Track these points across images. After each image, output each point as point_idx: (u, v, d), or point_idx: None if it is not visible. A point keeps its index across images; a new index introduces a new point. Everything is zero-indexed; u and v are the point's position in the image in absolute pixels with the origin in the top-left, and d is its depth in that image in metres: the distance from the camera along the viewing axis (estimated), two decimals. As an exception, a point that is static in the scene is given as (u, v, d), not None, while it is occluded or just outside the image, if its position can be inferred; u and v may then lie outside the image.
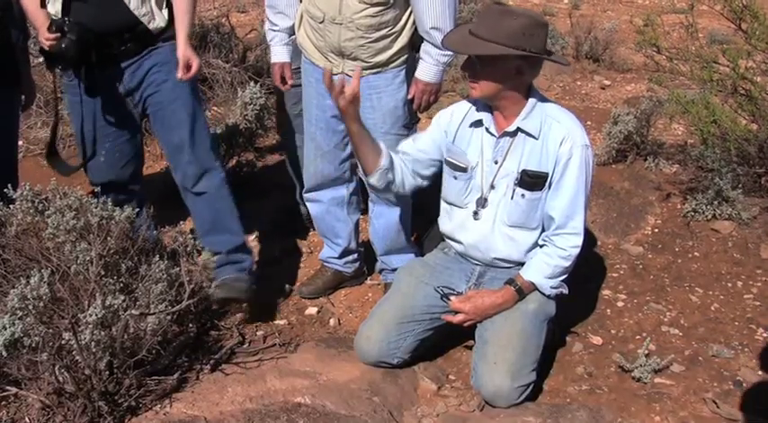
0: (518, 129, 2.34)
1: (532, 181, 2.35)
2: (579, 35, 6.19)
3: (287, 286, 3.13)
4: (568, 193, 2.34)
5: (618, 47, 6.26)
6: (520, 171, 2.36)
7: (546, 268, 2.39)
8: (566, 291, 2.46)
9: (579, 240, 2.38)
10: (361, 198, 3.01)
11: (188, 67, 2.51)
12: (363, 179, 2.53)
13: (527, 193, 2.36)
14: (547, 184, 2.35)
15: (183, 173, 2.68)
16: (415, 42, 2.58)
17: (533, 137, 2.33)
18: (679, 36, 4.40)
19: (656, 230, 3.46)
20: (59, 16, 2.41)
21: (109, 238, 2.28)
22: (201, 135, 2.65)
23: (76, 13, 2.40)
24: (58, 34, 2.36)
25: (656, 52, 3.74)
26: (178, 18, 2.54)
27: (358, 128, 2.34)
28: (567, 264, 2.39)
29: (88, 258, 2.20)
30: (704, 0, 3.67)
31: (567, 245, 2.37)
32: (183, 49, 2.52)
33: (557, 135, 2.32)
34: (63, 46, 2.37)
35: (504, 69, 2.25)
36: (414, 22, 2.54)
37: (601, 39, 6.15)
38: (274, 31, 2.79)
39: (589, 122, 4.58)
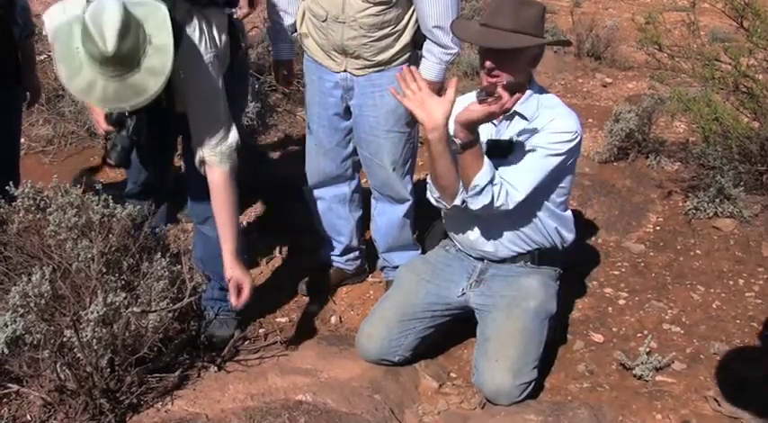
0: (514, 112, 2.34)
1: (499, 149, 2.33)
2: (581, 33, 6.17)
3: (288, 284, 3.13)
4: (527, 161, 2.29)
5: (619, 44, 6.25)
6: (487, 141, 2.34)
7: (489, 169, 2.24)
8: (484, 199, 2.24)
9: (515, 200, 2.27)
10: (362, 195, 3.01)
11: (239, 289, 2.31)
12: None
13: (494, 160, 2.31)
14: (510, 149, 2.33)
15: (191, 205, 2.60)
16: (418, 41, 2.57)
17: (526, 119, 2.35)
18: (681, 34, 4.40)
19: (658, 228, 3.46)
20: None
21: (110, 236, 2.28)
22: None
23: None
24: (116, 128, 2.24)
25: (657, 50, 3.74)
26: (221, 232, 2.31)
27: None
28: (495, 200, 2.25)
29: (90, 256, 2.20)
30: (706, -2, 3.68)
31: (508, 194, 2.26)
32: (230, 269, 2.29)
33: (546, 117, 2.33)
34: (117, 151, 2.25)
35: (526, 58, 2.28)
36: (416, 21, 2.54)
37: (602, 36, 6.14)
38: (276, 28, 2.79)
39: (590, 120, 4.58)
